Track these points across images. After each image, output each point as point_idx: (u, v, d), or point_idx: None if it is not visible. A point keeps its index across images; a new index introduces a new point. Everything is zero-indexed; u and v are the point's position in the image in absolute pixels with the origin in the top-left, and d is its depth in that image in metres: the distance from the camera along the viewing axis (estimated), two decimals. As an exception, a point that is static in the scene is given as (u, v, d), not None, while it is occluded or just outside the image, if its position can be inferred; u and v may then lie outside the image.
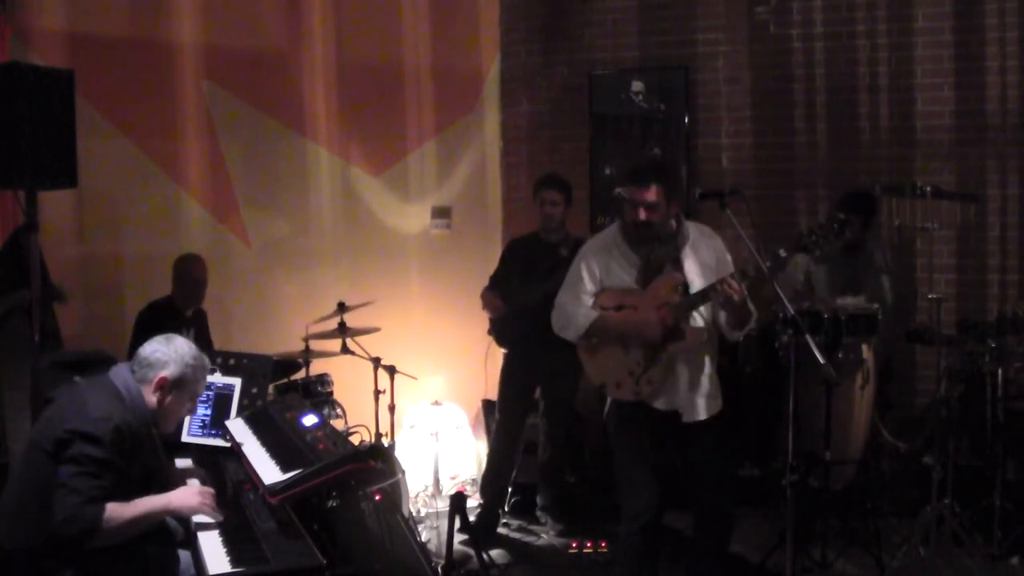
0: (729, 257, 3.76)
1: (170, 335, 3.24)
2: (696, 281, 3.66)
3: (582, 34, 6.33)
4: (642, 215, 3.61)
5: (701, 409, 3.71)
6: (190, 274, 5.14)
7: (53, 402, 3.13)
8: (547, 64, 6.42)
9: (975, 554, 4.44)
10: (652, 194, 3.58)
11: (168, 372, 3.11)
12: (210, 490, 3.11)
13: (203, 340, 5.11)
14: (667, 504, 3.76)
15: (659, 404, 3.70)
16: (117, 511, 2.87)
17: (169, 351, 3.14)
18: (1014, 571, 4.41)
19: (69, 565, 2.90)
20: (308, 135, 5.97)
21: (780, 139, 6.03)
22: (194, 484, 3.25)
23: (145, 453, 3.08)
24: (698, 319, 3.68)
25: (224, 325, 5.52)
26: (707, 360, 3.75)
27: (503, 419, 5.27)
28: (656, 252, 3.68)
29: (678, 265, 3.68)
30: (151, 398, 3.10)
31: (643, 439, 3.74)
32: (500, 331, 5.26)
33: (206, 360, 3.26)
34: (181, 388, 3.15)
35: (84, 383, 3.12)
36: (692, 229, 3.76)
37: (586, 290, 3.78)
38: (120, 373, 3.12)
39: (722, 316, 3.65)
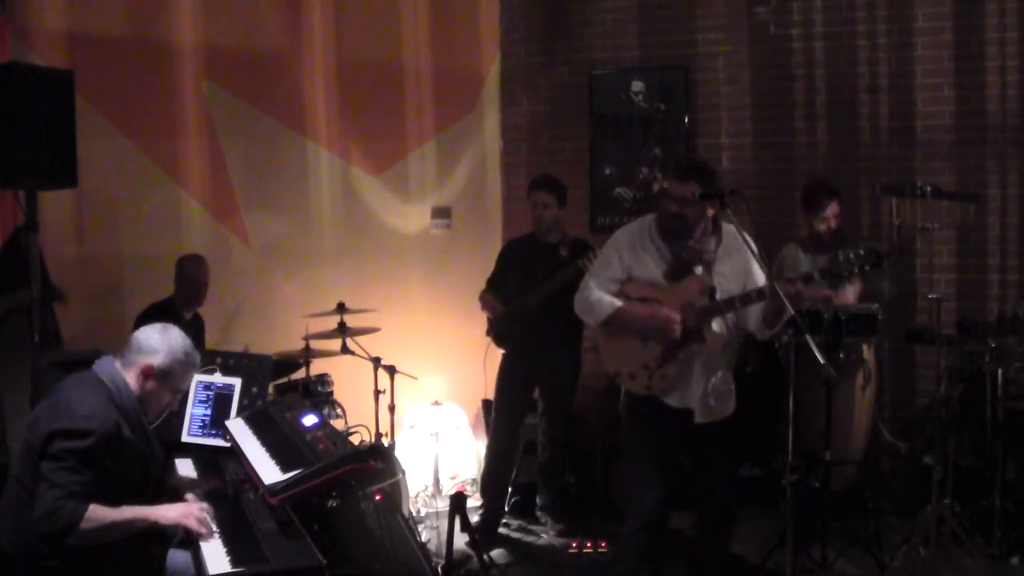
0: (759, 264, 3.73)
1: (167, 325, 3.24)
2: (724, 286, 3.68)
3: (582, 34, 6.33)
4: (674, 207, 3.66)
5: (714, 410, 3.72)
6: (189, 274, 5.14)
7: (41, 401, 3.13)
8: (547, 64, 6.42)
9: (975, 554, 4.45)
10: (687, 190, 3.63)
11: (156, 361, 3.11)
12: (199, 506, 3.10)
13: (196, 347, 5.10)
14: (672, 504, 3.76)
15: (672, 400, 3.72)
16: (100, 512, 2.87)
17: (162, 341, 3.15)
18: (1014, 571, 4.42)
19: (70, 566, 2.91)
20: (308, 135, 5.96)
21: (780, 139, 6.03)
22: (189, 501, 3.23)
23: (136, 445, 3.08)
24: (718, 324, 3.69)
25: (224, 325, 5.52)
26: (724, 363, 3.76)
27: (500, 419, 5.27)
28: (688, 250, 3.70)
29: (709, 268, 3.70)
30: (133, 382, 3.10)
31: (654, 437, 3.76)
32: (499, 332, 5.26)
33: (196, 357, 3.25)
34: (165, 379, 3.14)
35: (69, 380, 3.11)
36: (729, 232, 3.76)
37: (614, 276, 3.80)
38: (104, 365, 3.12)
39: (758, 317, 3.66)
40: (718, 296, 3.66)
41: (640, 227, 3.85)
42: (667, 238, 3.74)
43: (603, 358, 3.89)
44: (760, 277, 3.72)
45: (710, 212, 3.70)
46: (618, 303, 3.75)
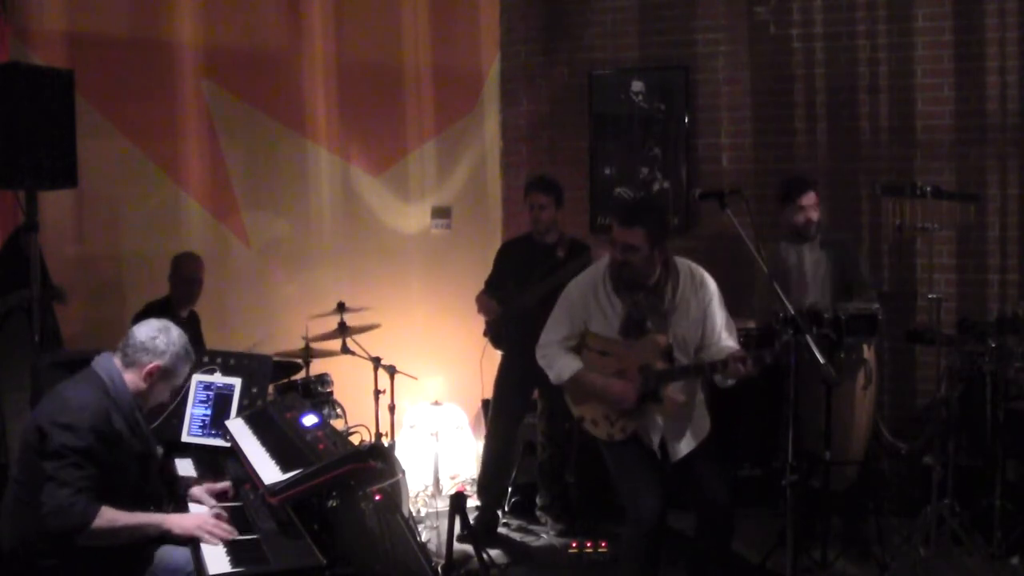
0: (721, 304, 3.71)
1: (166, 323, 3.26)
2: (681, 336, 3.65)
3: (582, 34, 6.33)
4: (620, 255, 3.60)
5: (684, 445, 3.72)
6: (183, 272, 5.15)
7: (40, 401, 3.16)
8: (547, 64, 6.42)
9: (975, 554, 4.44)
10: (635, 237, 3.55)
11: (162, 361, 3.15)
12: (213, 520, 3.10)
13: (196, 343, 5.12)
14: (671, 504, 3.76)
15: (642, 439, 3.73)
16: (112, 514, 2.89)
17: (167, 341, 3.18)
18: (1014, 571, 4.42)
19: (68, 566, 2.91)
20: (308, 135, 5.97)
21: (780, 139, 6.02)
22: (201, 510, 3.25)
23: (133, 441, 3.08)
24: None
25: (224, 325, 5.51)
26: (687, 407, 3.73)
27: (498, 419, 5.27)
28: (640, 302, 3.64)
29: (664, 319, 3.64)
30: (138, 382, 3.12)
31: (634, 449, 3.74)
32: (496, 333, 5.26)
33: (192, 352, 3.30)
34: (168, 378, 3.20)
35: (68, 379, 3.14)
36: (684, 276, 3.69)
37: (570, 334, 3.79)
38: (103, 362, 3.14)
39: (717, 376, 3.63)
40: (676, 350, 3.63)
41: (593, 278, 3.77)
42: (618, 289, 3.67)
43: (568, 402, 3.91)
44: (717, 324, 3.67)
45: (660, 257, 3.62)
46: (575, 368, 3.74)
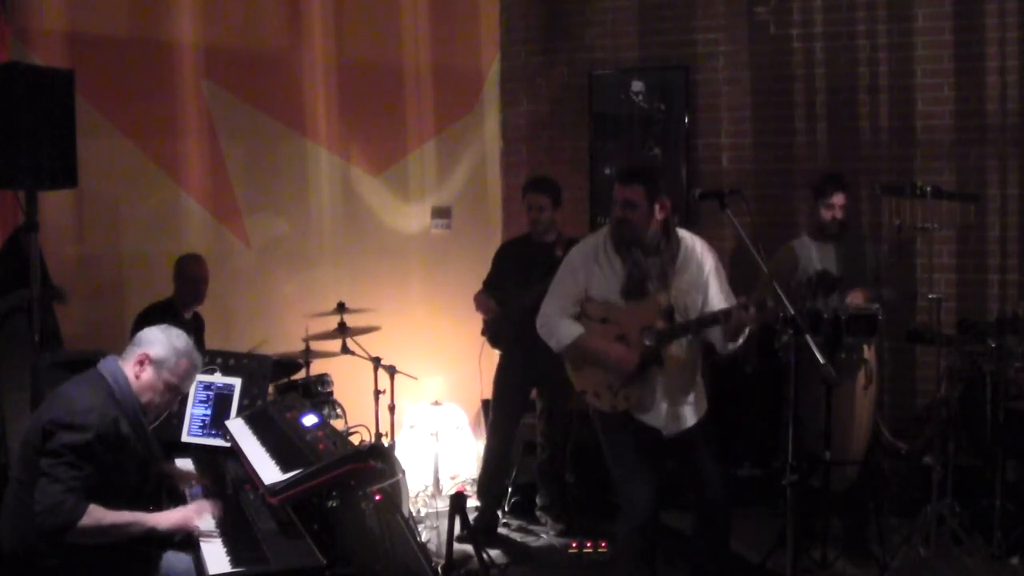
0: (720, 273, 3.73)
1: (172, 327, 3.26)
2: (681, 300, 3.66)
3: (582, 34, 6.33)
4: (619, 212, 3.65)
5: (684, 420, 3.72)
6: (188, 273, 5.15)
7: (43, 401, 3.15)
8: (547, 64, 6.42)
9: (975, 554, 4.45)
10: (632, 193, 3.63)
11: (152, 350, 3.14)
12: (196, 510, 3.11)
13: (196, 346, 5.12)
14: (663, 502, 3.77)
15: (641, 417, 3.72)
16: (99, 512, 2.88)
17: (162, 336, 3.19)
18: (1014, 571, 4.42)
19: (69, 566, 2.91)
20: (308, 135, 5.97)
21: (780, 139, 6.03)
22: (190, 507, 3.24)
23: (136, 443, 3.08)
24: (678, 343, 3.68)
25: (224, 325, 5.51)
26: (687, 380, 3.75)
27: (497, 420, 5.28)
28: (640, 261, 3.67)
29: (665, 281, 3.66)
30: (131, 374, 3.13)
31: (632, 441, 3.75)
32: (494, 333, 5.26)
33: (198, 358, 3.27)
34: (158, 367, 3.15)
35: (73, 378, 3.14)
36: (685, 243, 3.73)
37: (572, 298, 3.80)
38: (108, 364, 3.15)
39: (719, 332, 3.63)
40: (676, 313, 3.64)
41: (595, 242, 3.82)
42: (620, 249, 3.70)
43: (568, 375, 3.91)
44: (717, 290, 3.69)
45: (659, 216, 3.66)
46: (576, 333, 3.74)
